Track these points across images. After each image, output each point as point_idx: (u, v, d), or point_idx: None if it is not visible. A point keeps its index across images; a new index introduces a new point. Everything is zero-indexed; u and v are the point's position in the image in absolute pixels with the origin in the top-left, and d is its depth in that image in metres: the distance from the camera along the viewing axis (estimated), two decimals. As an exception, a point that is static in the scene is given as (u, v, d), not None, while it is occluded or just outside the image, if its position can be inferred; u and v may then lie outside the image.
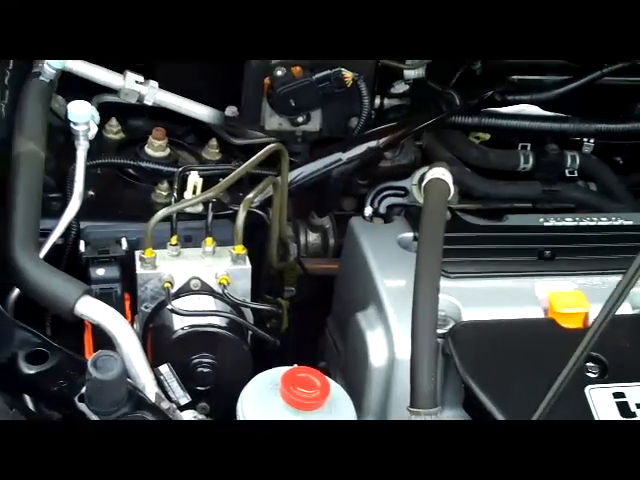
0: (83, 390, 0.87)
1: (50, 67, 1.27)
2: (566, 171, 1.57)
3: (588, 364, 1.04)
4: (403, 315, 1.06)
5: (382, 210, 1.40)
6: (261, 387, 0.97)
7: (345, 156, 1.36)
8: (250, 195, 1.16)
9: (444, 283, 1.11)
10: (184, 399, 1.01)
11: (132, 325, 1.09)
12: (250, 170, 1.22)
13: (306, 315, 1.38)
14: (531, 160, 1.55)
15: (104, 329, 0.97)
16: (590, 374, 1.03)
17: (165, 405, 0.92)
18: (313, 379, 0.95)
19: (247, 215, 1.15)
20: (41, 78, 1.27)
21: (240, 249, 1.13)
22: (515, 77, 1.53)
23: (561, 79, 1.54)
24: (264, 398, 0.95)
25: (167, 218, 1.13)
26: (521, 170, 1.55)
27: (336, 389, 0.98)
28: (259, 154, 1.19)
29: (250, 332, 1.13)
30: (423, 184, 1.21)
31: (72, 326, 1.11)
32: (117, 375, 0.83)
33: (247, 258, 1.15)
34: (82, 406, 0.87)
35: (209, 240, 1.15)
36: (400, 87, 1.48)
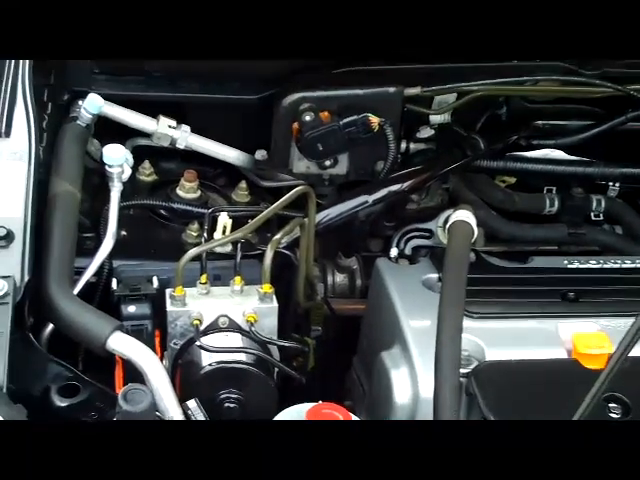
0: (113, 422, 0.90)
1: (87, 112, 1.32)
2: (592, 214, 1.58)
3: (610, 405, 1.04)
4: (427, 355, 1.08)
5: (408, 251, 1.42)
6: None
7: (371, 198, 1.39)
8: (278, 236, 1.19)
9: (468, 323, 1.13)
10: (211, 434, 1.03)
11: (161, 361, 1.12)
12: (278, 212, 1.25)
13: (333, 355, 1.40)
14: (557, 203, 1.56)
15: (134, 364, 1.00)
16: (613, 414, 1.04)
17: (192, 438, 0.93)
18: (337, 415, 0.96)
19: (275, 255, 1.18)
20: (78, 122, 1.32)
21: (267, 288, 1.15)
22: (540, 122, 1.56)
23: (585, 124, 1.56)
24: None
25: (197, 257, 1.16)
26: (547, 213, 1.57)
27: (360, 425, 1.00)
28: (287, 196, 1.22)
29: (276, 369, 1.15)
30: (447, 226, 1.23)
31: (103, 362, 1.14)
32: (147, 407, 0.85)
33: (274, 297, 1.17)
34: (112, 438, 0.90)
35: (237, 279, 1.17)
36: (426, 132, 1.51)
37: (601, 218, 1.59)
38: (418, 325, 1.16)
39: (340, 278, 1.49)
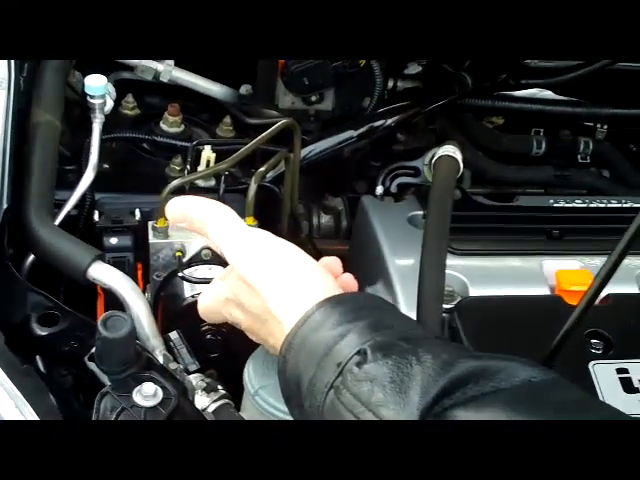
0: (93, 350, 0.89)
1: (68, 42, 1.29)
2: (579, 157, 1.57)
3: (592, 340, 1.05)
4: (411, 291, 1.08)
5: (393, 189, 1.41)
6: (268, 353, 0.98)
7: (356, 133, 1.37)
8: (262, 169, 1.18)
9: (452, 260, 1.13)
10: (193, 366, 1.03)
11: (144, 293, 1.11)
12: (263, 146, 1.24)
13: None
14: (544, 145, 1.55)
15: (115, 293, 0.99)
16: (594, 350, 1.04)
17: (173, 366, 0.93)
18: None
19: (259, 189, 1.17)
20: (59, 52, 1.29)
21: (251, 221, 1.14)
22: (529, 61, 1.54)
23: (575, 63, 1.54)
24: (271, 364, 0.97)
25: (180, 190, 1.15)
26: (534, 155, 1.56)
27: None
28: (272, 128, 1.20)
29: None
30: (433, 161, 1.22)
31: (85, 296, 1.13)
32: (126, 334, 0.84)
33: (258, 230, 1.16)
34: (92, 365, 0.89)
35: (221, 212, 1.16)
36: (413, 68, 1.49)
37: (588, 161, 1.58)
38: (402, 262, 1.16)
39: (325, 219, 1.48)
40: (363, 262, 1.26)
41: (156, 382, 0.85)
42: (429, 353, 0.69)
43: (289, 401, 0.77)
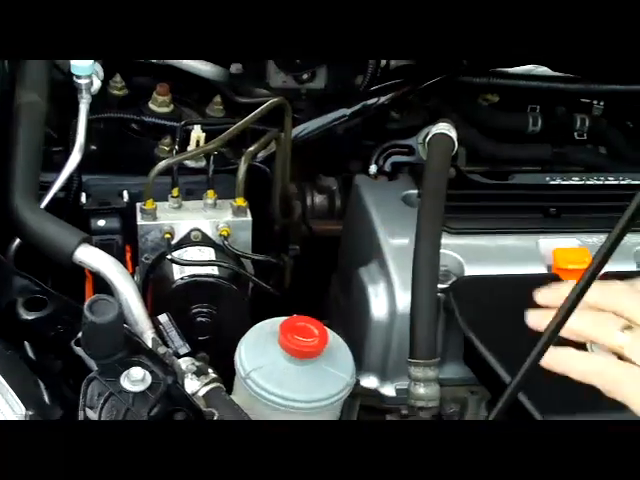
0: (80, 335, 0.87)
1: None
2: (575, 134, 1.55)
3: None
4: (405, 270, 1.06)
5: (387, 168, 1.38)
6: (259, 336, 0.97)
7: (349, 112, 1.35)
8: (252, 148, 1.15)
9: (447, 239, 1.11)
10: (183, 349, 1.00)
11: (133, 276, 1.09)
12: (253, 126, 1.21)
13: (310, 275, 1.37)
14: (540, 122, 1.53)
15: (102, 276, 0.97)
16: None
17: (162, 350, 0.91)
18: (312, 328, 0.94)
19: (249, 169, 1.14)
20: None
21: (241, 201, 1.12)
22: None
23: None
24: (262, 347, 0.95)
25: (169, 172, 1.13)
26: (530, 133, 1.53)
27: (335, 339, 0.98)
28: (262, 107, 1.18)
29: (251, 284, 1.13)
30: (427, 139, 1.20)
31: (73, 280, 1.11)
32: (113, 319, 0.82)
33: (248, 210, 1.14)
34: (79, 350, 0.87)
35: (210, 193, 1.14)
36: (407, 45, 1.46)
37: (585, 138, 1.55)
38: (396, 241, 1.14)
39: (319, 199, 1.46)
40: (357, 242, 1.24)
41: (144, 367, 0.83)
42: None
43: None
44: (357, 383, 1.06)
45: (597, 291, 0.76)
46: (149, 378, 0.82)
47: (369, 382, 1.12)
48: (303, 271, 1.35)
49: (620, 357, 0.75)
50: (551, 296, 0.79)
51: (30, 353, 0.97)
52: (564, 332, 0.74)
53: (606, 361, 0.75)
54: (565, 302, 0.65)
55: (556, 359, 0.76)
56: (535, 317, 0.78)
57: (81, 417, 0.82)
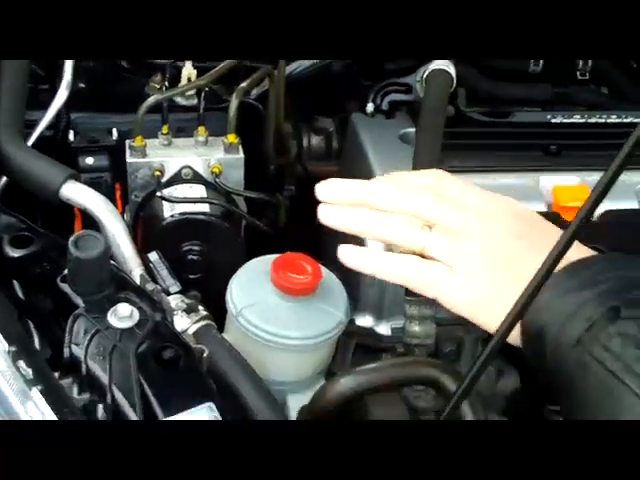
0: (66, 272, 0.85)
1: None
2: (577, 74, 1.51)
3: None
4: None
5: (385, 107, 1.35)
6: (251, 273, 0.95)
7: (345, 47, 1.31)
8: (244, 84, 1.12)
9: (445, 177, 1.08)
10: (174, 287, 0.98)
11: (123, 215, 1.07)
12: (246, 62, 1.18)
13: (306, 217, 1.35)
14: (541, 62, 1.49)
15: (90, 213, 0.95)
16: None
17: (150, 287, 0.89)
18: (305, 265, 0.92)
19: (242, 106, 1.11)
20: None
21: (233, 138, 1.09)
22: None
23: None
24: (254, 284, 0.93)
25: (160, 109, 1.10)
26: (531, 72, 1.49)
27: (329, 277, 0.96)
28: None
29: (244, 222, 1.11)
30: (425, 75, 1.17)
31: (62, 219, 1.09)
32: (98, 254, 0.79)
33: (240, 147, 1.11)
34: (64, 287, 0.85)
35: (201, 129, 1.11)
36: (405, -20, 1.42)
37: (587, 77, 1.51)
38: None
39: (316, 140, 1.43)
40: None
41: (132, 303, 0.81)
42: None
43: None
44: (352, 322, 1.04)
45: (392, 194, 0.77)
46: (137, 315, 0.80)
47: (365, 321, 1.10)
48: (299, 211, 1.32)
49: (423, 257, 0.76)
50: (330, 189, 0.82)
51: (20, 293, 0.96)
52: (368, 237, 0.81)
53: (413, 259, 0.76)
54: (556, 247, 0.62)
55: (364, 259, 0.78)
56: (346, 252, 0.79)
57: (66, 354, 0.80)
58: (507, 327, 0.59)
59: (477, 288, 0.75)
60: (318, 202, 1.35)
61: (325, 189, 0.82)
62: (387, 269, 0.78)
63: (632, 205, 1.11)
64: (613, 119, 1.28)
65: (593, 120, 1.27)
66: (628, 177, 1.16)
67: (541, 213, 1.07)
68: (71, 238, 0.81)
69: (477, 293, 0.75)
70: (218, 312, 0.96)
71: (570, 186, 1.11)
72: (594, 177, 1.13)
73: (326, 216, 0.81)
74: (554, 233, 0.79)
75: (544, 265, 0.62)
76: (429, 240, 0.76)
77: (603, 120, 1.27)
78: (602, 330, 0.66)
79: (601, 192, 0.62)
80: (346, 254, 0.80)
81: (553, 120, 1.26)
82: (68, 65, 1.16)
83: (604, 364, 0.65)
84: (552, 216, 1.07)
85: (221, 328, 0.95)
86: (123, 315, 0.79)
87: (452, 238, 0.76)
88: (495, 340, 0.61)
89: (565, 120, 1.26)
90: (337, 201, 0.82)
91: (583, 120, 1.26)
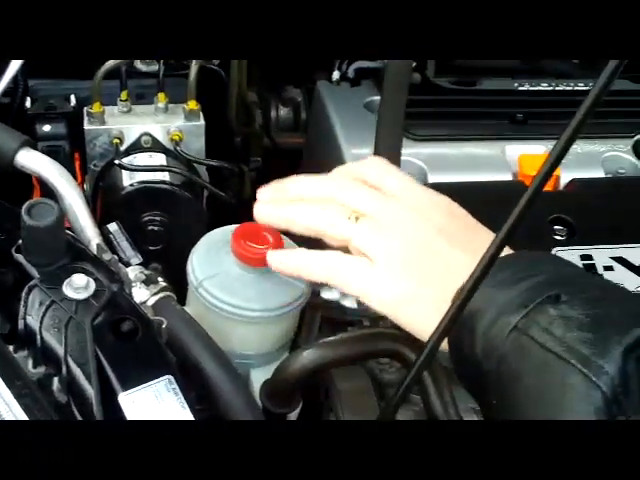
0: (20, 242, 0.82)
1: None
2: (547, 42, 1.50)
3: (555, 227, 1.01)
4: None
5: (350, 74, 1.33)
6: (212, 244, 0.92)
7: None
8: (205, 49, 1.09)
9: (409, 146, 1.07)
10: (135, 259, 0.96)
11: (82, 186, 1.04)
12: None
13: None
14: (511, 31, 1.47)
15: (45, 181, 0.92)
16: (557, 236, 1.00)
17: (107, 257, 0.87)
18: (266, 235, 0.90)
19: (203, 72, 1.09)
20: None
21: (193, 104, 1.07)
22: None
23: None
24: (215, 255, 0.91)
25: (116, 73, 1.07)
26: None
27: (290, 246, 0.94)
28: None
29: (206, 194, 1.09)
30: (391, 41, 1.15)
31: (20, 190, 1.06)
32: (52, 222, 0.77)
33: (201, 114, 1.09)
34: (19, 257, 0.82)
35: (161, 96, 1.09)
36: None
37: (557, 46, 1.50)
38: (358, 151, 1.10)
39: (284, 111, 1.41)
40: (319, 152, 1.20)
41: (88, 274, 0.79)
42: (623, 295, 0.68)
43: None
44: (317, 295, 1.03)
45: (321, 184, 0.76)
46: (93, 285, 0.78)
47: (330, 294, 1.09)
48: (266, 183, 1.30)
49: (347, 250, 0.76)
50: (267, 189, 0.82)
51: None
52: (297, 229, 0.80)
53: (335, 254, 0.76)
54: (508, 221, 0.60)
55: (287, 260, 0.80)
56: (272, 256, 0.81)
57: (21, 326, 0.78)
58: (462, 300, 0.58)
59: (395, 284, 0.73)
60: (286, 174, 1.34)
61: (263, 191, 0.83)
62: (309, 267, 0.77)
63: (598, 174, 1.11)
64: (580, 87, 1.27)
65: (560, 88, 1.26)
66: (595, 146, 1.16)
67: (506, 181, 1.08)
68: (24, 206, 0.79)
69: (396, 289, 0.73)
70: (180, 284, 0.94)
71: (535, 155, 1.10)
72: (560, 146, 1.12)
73: (258, 213, 0.81)
74: (486, 235, 0.77)
75: (484, 257, 0.59)
76: (354, 231, 0.74)
77: (570, 88, 1.26)
78: (542, 313, 0.64)
79: (557, 156, 0.59)
80: (272, 258, 0.81)
81: (520, 88, 1.25)
82: (24, 30, 1.12)
83: (545, 346, 0.63)
84: (517, 185, 1.07)
85: (184, 300, 0.93)
86: (79, 286, 0.77)
87: (377, 230, 0.74)
88: (452, 312, 0.59)
89: (532, 88, 1.25)
90: (273, 199, 0.80)
91: (550, 88, 1.25)
